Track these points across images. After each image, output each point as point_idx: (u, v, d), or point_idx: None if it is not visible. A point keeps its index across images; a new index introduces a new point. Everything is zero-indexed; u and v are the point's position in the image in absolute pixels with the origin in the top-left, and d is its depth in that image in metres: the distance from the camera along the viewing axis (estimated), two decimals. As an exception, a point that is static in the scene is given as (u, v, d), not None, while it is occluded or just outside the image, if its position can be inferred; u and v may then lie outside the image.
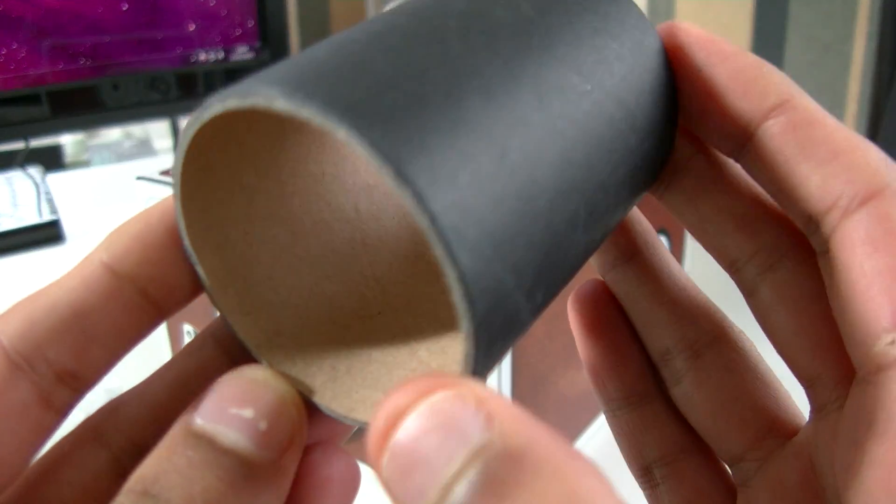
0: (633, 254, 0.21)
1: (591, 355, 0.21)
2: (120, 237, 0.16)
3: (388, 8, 0.16)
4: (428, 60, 0.13)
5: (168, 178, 0.48)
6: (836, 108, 0.80)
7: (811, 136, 0.16)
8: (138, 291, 0.16)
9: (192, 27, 0.85)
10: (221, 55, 0.88)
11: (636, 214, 0.21)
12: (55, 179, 1.00)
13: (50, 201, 0.84)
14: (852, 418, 0.16)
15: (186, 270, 0.17)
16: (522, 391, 0.39)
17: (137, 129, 1.33)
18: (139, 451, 0.17)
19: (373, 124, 0.12)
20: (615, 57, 0.16)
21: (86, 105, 0.82)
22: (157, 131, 1.31)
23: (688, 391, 0.20)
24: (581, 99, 0.15)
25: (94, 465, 0.17)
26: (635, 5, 0.18)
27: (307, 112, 0.12)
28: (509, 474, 0.11)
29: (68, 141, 1.22)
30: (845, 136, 0.16)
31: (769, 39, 0.85)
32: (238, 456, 0.15)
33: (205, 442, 0.15)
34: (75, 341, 0.16)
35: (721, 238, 0.19)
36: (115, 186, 0.98)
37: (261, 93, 0.13)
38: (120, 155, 1.24)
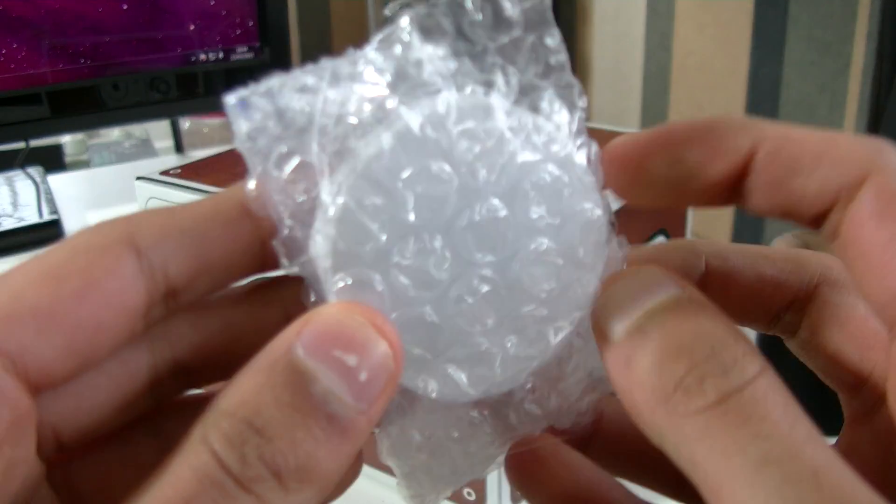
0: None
1: None
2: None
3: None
4: None
5: (168, 178, 0.48)
6: (836, 108, 0.80)
7: (791, 155, 0.17)
8: (260, 240, 0.17)
9: (192, 27, 0.85)
10: (221, 55, 0.88)
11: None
12: (55, 179, 1.00)
13: (50, 201, 0.85)
14: None
15: None
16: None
17: (137, 129, 1.33)
18: (177, 370, 0.18)
19: None
20: None
21: (86, 105, 0.82)
22: (157, 131, 1.31)
23: (806, 337, 0.21)
24: None
25: (135, 364, 0.18)
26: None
27: None
28: (690, 306, 0.16)
29: (68, 141, 1.22)
30: (818, 139, 0.17)
31: (769, 39, 0.85)
32: (335, 403, 0.14)
33: (305, 381, 0.14)
34: (192, 266, 0.17)
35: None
36: (115, 186, 0.98)
37: None
38: (120, 155, 1.24)
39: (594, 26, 1.15)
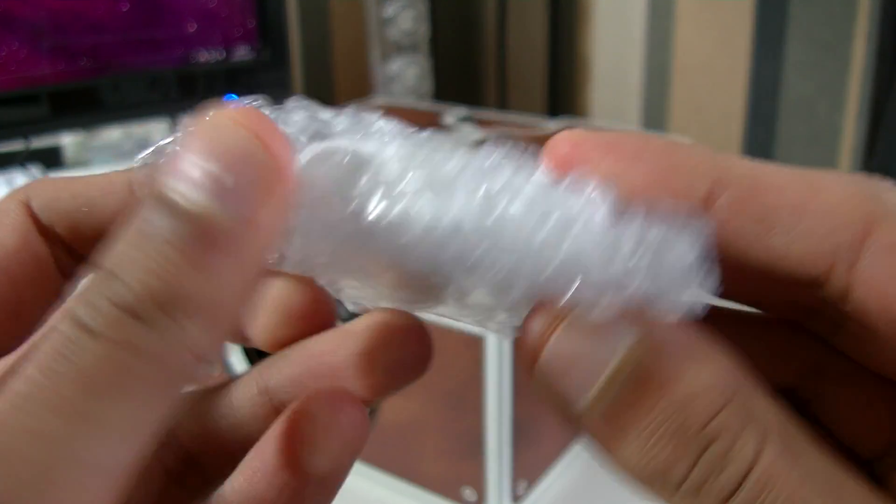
0: None
1: None
2: None
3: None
4: None
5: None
6: (836, 108, 0.80)
7: (765, 206, 0.14)
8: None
9: (192, 27, 0.85)
10: (222, 55, 0.88)
11: None
12: (55, 179, 1.00)
13: (50, 201, 0.85)
14: None
15: None
16: (523, 392, 0.39)
17: (137, 129, 1.33)
18: (190, 463, 0.18)
19: None
20: None
21: (86, 105, 0.82)
22: (157, 131, 1.31)
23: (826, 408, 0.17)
24: None
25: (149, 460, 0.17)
26: None
27: None
28: (659, 363, 0.13)
29: (68, 141, 1.22)
30: (797, 184, 0.14)
31: (769, 39, 0.85)
32: (198, 217, 0.12)
33: (162, 204, 0.12)
34: (80, 227, 0.18)
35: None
36: (116, 186, 0.98)
37: None
38: (120, 155, 1.24)
39: (594, 26, 1.15)
